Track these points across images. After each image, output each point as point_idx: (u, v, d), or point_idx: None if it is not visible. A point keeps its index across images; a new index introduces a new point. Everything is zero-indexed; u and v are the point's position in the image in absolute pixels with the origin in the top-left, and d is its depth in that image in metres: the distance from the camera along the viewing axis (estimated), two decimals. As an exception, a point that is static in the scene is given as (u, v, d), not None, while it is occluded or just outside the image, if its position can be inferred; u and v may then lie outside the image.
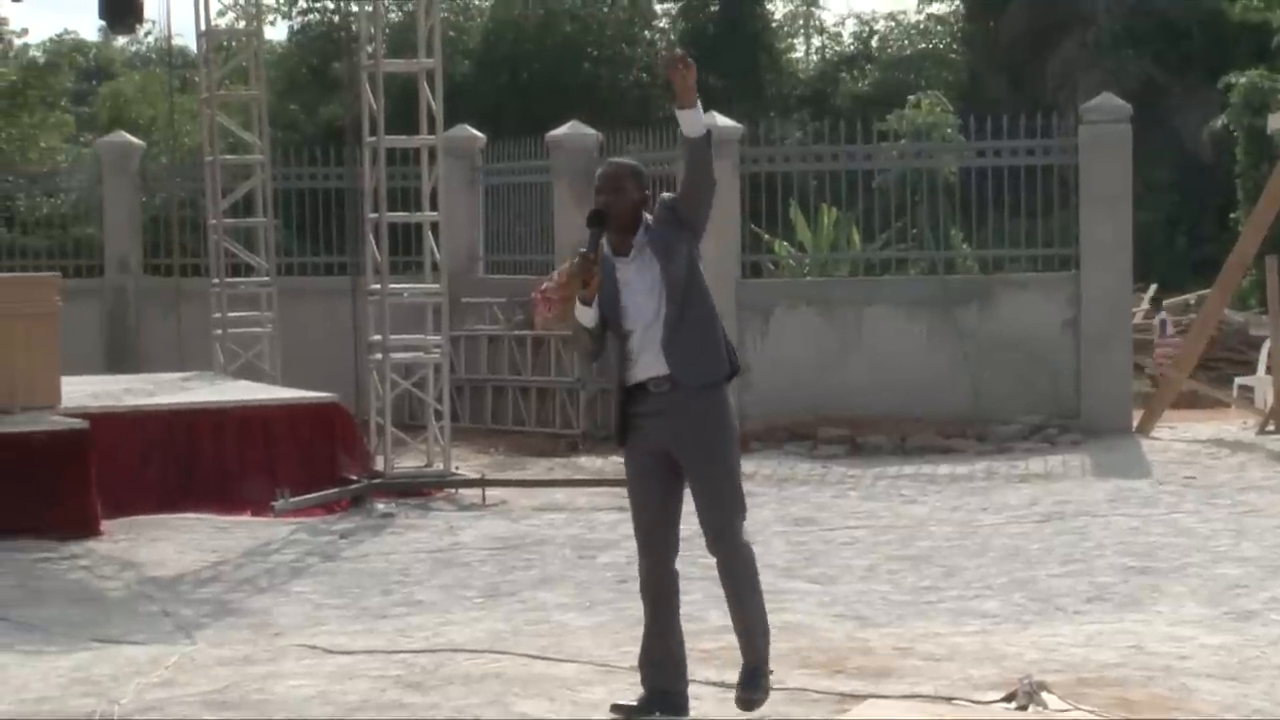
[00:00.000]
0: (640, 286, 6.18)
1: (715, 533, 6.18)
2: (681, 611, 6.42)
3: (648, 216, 6.26)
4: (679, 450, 6.17)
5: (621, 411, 6.24)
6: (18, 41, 30.40)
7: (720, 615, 8.39)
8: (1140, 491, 12.63)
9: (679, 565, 6.34)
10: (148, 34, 37.82)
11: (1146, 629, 8.01)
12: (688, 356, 6.14)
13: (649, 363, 6.17)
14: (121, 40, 36.35)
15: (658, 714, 6.23)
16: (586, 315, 6.20)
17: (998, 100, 23.63)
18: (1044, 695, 6.32)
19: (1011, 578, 9.50)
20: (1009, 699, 6.34)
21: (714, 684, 6.68)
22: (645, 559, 6.27)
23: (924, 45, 34.91)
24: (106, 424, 11.55)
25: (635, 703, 6.29)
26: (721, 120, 16.30)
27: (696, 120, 6.16)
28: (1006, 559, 10.10)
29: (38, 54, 31.01)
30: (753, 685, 6.18)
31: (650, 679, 6.29)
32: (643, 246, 6.20)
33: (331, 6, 32.20)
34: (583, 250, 6.18)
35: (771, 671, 6.27)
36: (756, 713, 6.21)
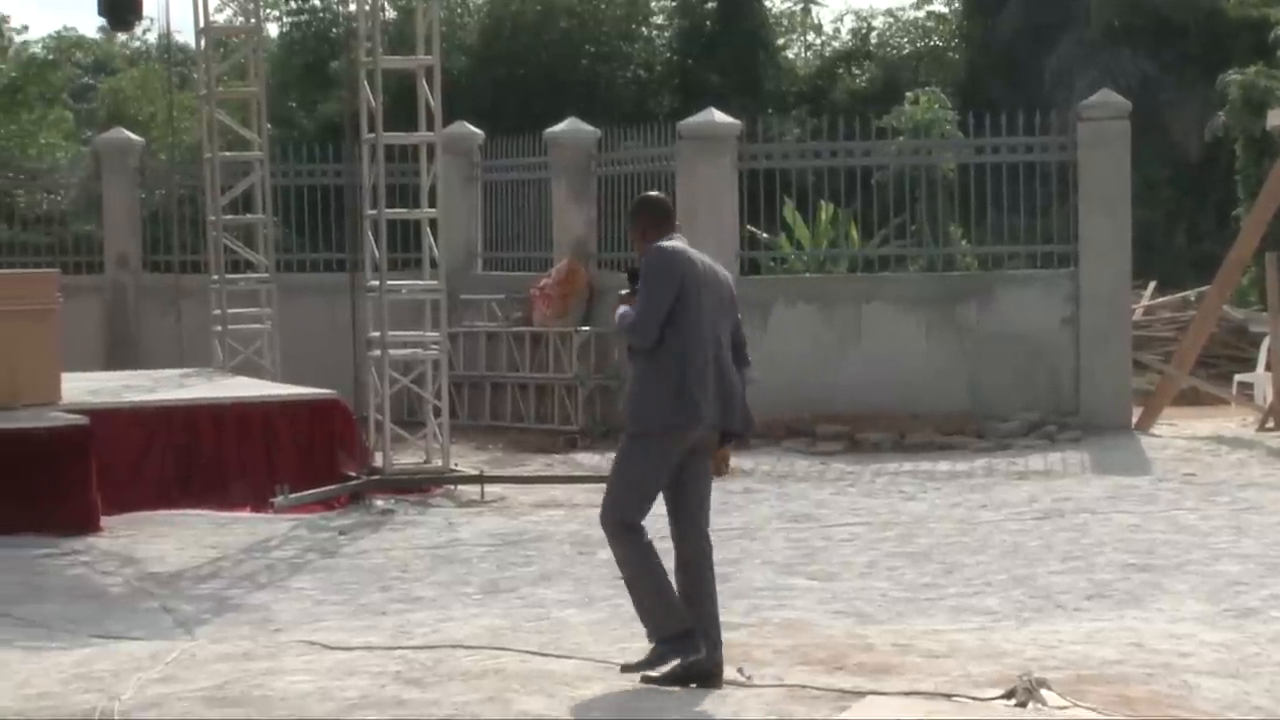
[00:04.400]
0: None
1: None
2: None
3: (659, 246, 6.69)
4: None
5: None
6: (17, 38, 30.41)
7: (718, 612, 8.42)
8: (1140, 488, 12.64)
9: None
10: (146, 31, 37.77)
11: (1146, 626, 8.02)
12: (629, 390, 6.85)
13: None
14: (123, 37, 36.30)
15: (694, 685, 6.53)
16: None
17: (996, 97, 23.59)
18: (1044, 692, 6.32)
19: (1011, 575, 9.51)
20: (1009, 696, 6.34)
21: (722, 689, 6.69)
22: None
23: (922, 43, 34.88)
24: (107, 420, 11.56)
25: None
26: (719, 117, 16.32)
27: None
28: (1006, 556, 10.11)
29: (38, 50, 30.99)
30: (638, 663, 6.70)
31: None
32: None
33: (320, 5, 32.14)
34: (622, 293, 6.83)
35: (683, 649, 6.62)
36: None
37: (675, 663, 6.60)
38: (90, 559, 10.17)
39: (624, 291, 6.78)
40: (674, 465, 6.67)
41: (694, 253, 6.76)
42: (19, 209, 20.04)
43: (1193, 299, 20.39)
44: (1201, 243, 26.83)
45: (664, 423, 6.58)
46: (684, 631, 6.59)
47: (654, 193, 7.18)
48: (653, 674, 6.66)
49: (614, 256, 16.68)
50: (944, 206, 17.68)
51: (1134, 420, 15.58)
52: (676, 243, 6.72)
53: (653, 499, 6.71)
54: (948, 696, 6.41)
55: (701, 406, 6.60)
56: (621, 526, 6.68)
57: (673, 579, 6.71)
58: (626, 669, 6.73)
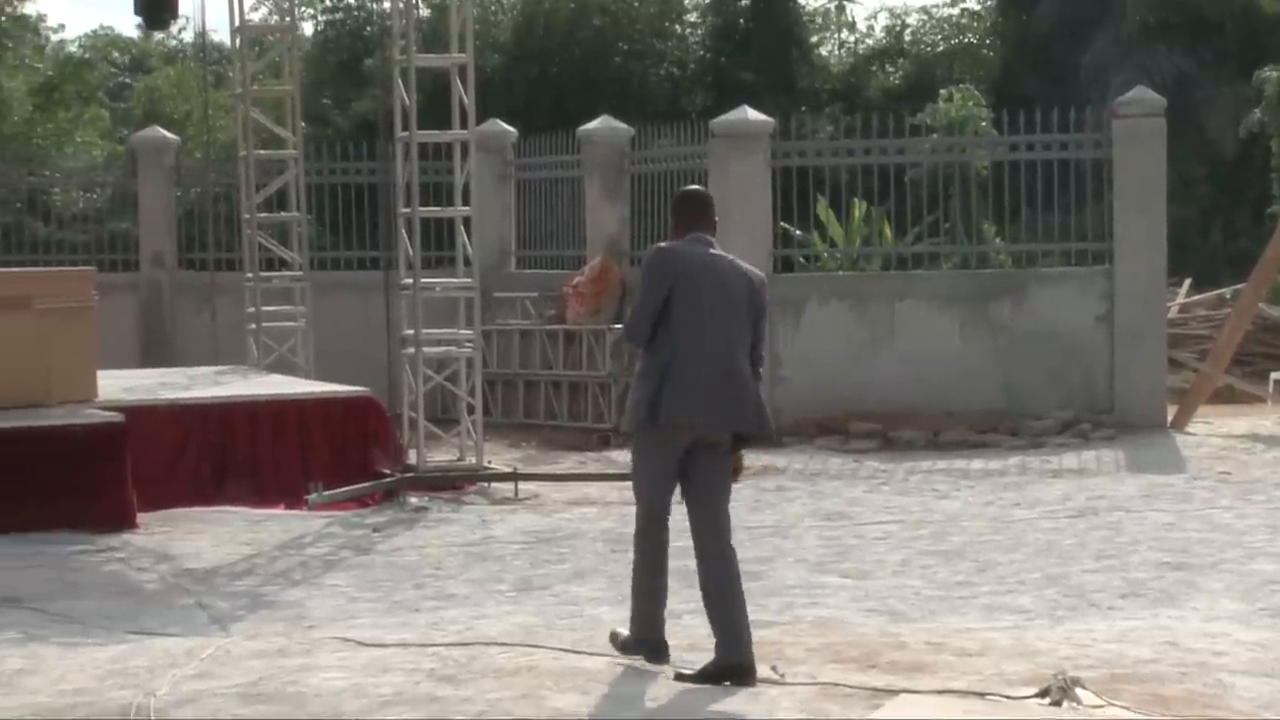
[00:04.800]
0: None
1: None
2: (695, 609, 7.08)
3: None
4: None
5: None
6: (54, 37, 30.58)
7: (751, 610, 8.40)
8: (1175, 487, 12.59)
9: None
10: (182, 29, 37.93)
11: (1181, 625, 7.99)
12: None
13: None
14: (160, 35, 36.45)
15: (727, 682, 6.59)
16: None
17: (1030, 94, 23.52)
18: (1078, 691, 6.30)
19: (1045, 573, 9.49)
20: (1042, 694, 6.32)
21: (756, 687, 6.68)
22: None
23: (956, 40, 34.79)
24: (142, 418, 11.60)
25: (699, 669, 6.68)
26: (752, 115, 16.32)
27: None
28: (1040, 554, 10.08)
29: (74, 49, 31.16)
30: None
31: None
32: None
33: (355, 3, 32.23)
34: None
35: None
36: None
37: (639, 656, 6.81)
38: (126, 556, 10.22)
39: None
40: (674, 460, 6.70)
41: (704, 252, 6.76)
42: (55, 207, 20.15)
43: (1228, 296, 20.28)
44: (1237, 240, 26.70)
45: (649, 419, 6.62)
46: (653, 642, 6.82)
47: (693, 187, 7.21)
48: (686, 673, 6.70)
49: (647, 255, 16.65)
50: (978, 204, 17.64)
51: (1169, 418, 15.52)
52: (679, 243, 6.78)
53: (664, 492, 6.76)
54: (981, 695, 6.39)
55: (686, 405, 6.58)
56: (640, 519, 6.80)
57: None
58: (612, 638, 6.98)
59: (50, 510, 10.62)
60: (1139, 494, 12.29)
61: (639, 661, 6.83)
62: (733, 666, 6.63)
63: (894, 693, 6.44)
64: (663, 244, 6.82)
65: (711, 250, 6.79)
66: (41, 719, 6.40)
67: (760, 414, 6.78)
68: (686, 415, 6.60)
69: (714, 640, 6.71)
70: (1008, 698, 6.36)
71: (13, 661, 7.39)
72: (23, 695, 6.76)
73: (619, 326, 16.05)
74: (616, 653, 6.89)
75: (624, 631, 6.99)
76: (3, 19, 25.49)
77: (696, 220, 6.84)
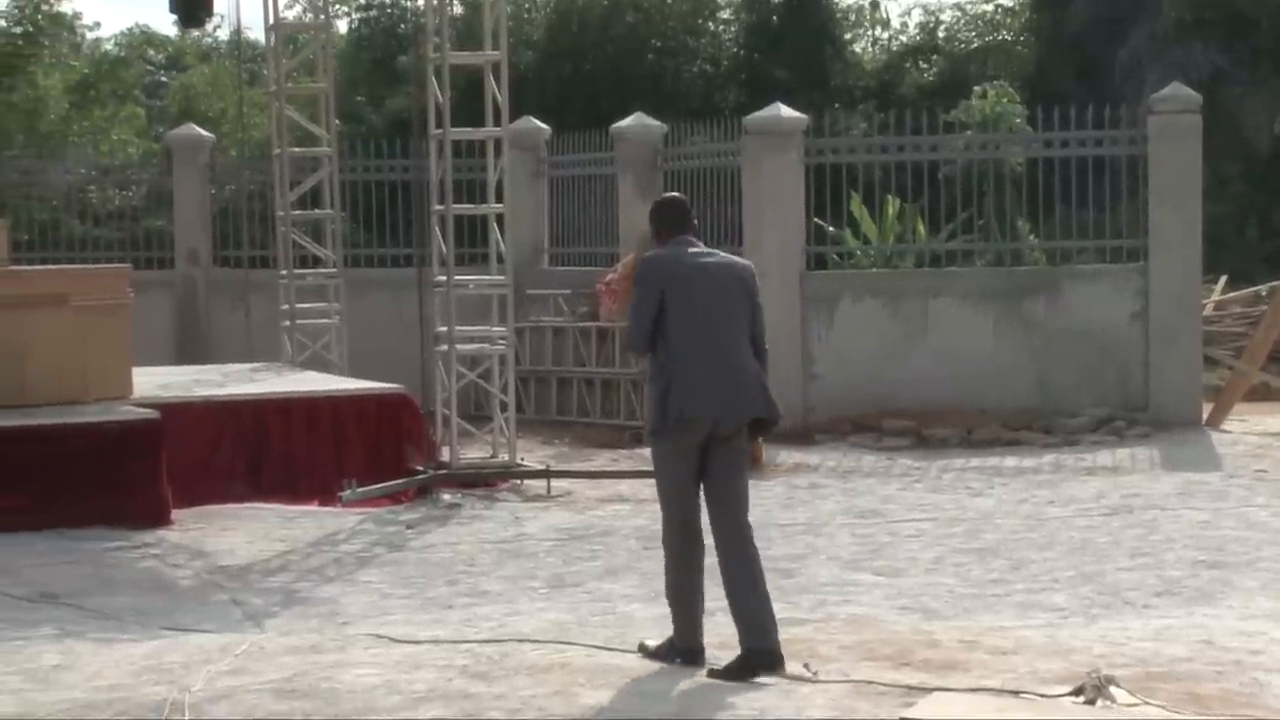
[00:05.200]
0: None
1: None
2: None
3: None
4: None
5: None
6: (90, 35, 30.72)
7: (783, 608, 8.40)
8: (1210, 485, 12.53)
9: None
10: (217, 27, 38.04)
11: (1217, 623, 7.95)
12: None
13: None
14: (195, 33, 36.59)
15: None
16: None
17: (1065, 91, 23.42)
18: (1112, 689, 6.28)
19: (1079, 571, 9.46)
20: (1077, 693, 6.31)
21: (786, 676, 6.69)
22: None
23: (991, 37, 34.69)
24: (177, 414, 11.65)
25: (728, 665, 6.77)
26: (786, 112, 16.29)
27: None
28: (1074, 552, 10.05)
29: (110, 47, 31.29)
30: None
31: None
32: None
33: (389, 1, 32.30)
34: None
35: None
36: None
37: (677, 660, 6.86)
38: (161, 552, 10.26)
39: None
40: (693, 459, 6.84)
41: (689, 254, 6.94)
42: (91, 205, 20.24)
43: (1264, 294, 20.16)
44: (1273, 237, 26.55)
45: (660, 420, 6.84)
46: (691, 651, 6.89)
47: (668, 195, 7.42)
48: (716, 668, 6.73)
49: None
50: (1012, 201, 17.58)
51: (1204, 416, 15.45)
52: (664, 250, 6.96)
53: (690, 493, 6.89)
54: (1015, 693, 6.38)
55: (692, 402, 6.77)
56: (669, 527, 6.93)
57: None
58: (641, 648, 7.04)
59: (86, 507, 10.68)
60: (1174, 492, 12.24)
61: (741, 659, 6.81)
62: (760, 654, 6.70)
63: (927, 691, 6.44)
64: (647, 255, 7.03)
65: (694, 249, 6.98)
66: (77, 714, 6.43)
67: (767, 399, 6.92)
68: (694, 411, 6.78)
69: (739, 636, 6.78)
70: (1042, 696, 6.34)
71: (49, 657, 7.44)
72: (59, 691, 6.81)
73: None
74: (732, 680, 6.73)
75: (652, 643, 7.05)
76: (39, 17, 25.59)
77: (678, 225, 7.04)
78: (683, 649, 6.91)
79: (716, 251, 7.10)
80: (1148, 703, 6.25)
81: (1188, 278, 15.61)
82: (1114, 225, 16.31)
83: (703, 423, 6.79)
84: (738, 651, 6.79)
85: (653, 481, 7.37)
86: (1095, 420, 15.07)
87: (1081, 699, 6.26)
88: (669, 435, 6.84)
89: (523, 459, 13.35)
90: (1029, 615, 8.31)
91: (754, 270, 7.11)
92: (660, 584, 7.04)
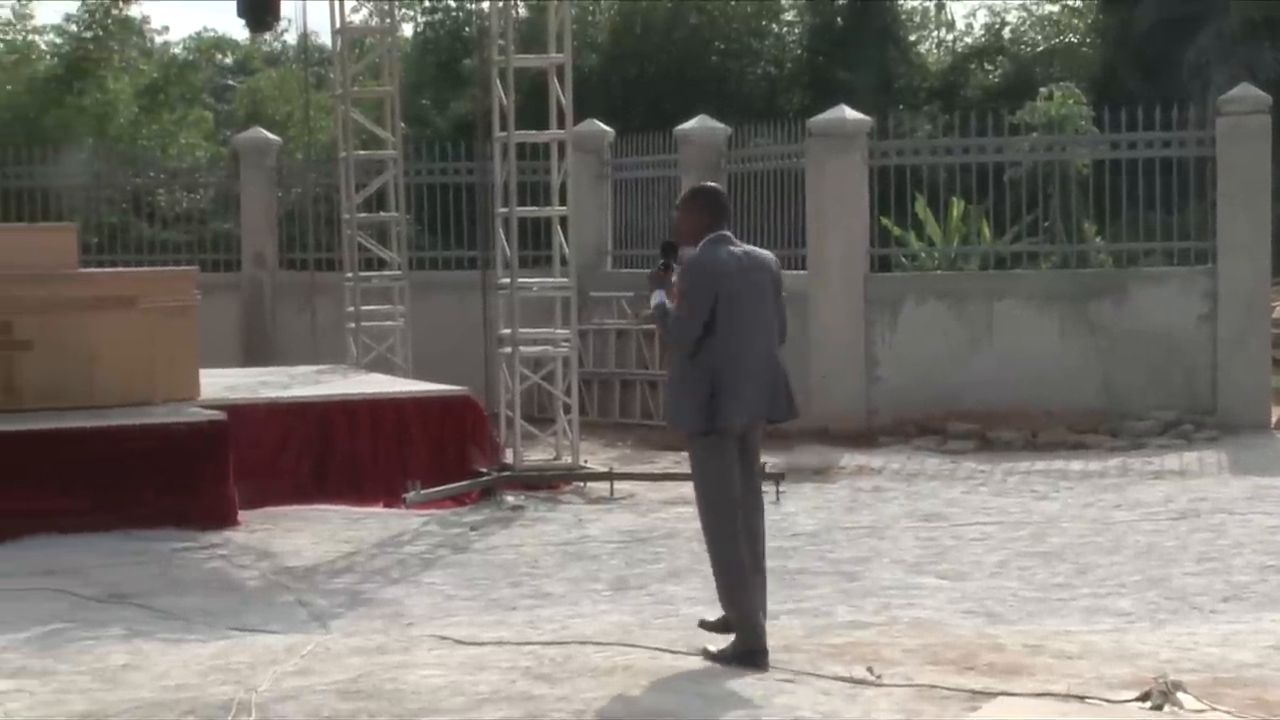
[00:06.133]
0: None
1: None
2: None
3: (707, 244, 7.09)
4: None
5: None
6: (159, 40, 30.95)
7: (847, 611, 8.41)
8: (1278, 489, 12.41)
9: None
10: (285, 32, 38.27)
11: (1285, 629, 7.88)
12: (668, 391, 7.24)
13: None
14: (267, 36, 36.81)
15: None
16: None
17: (1131, 92, 23.26)
18: (1180, 695, 6.23)
19: (1146, 576, 9.39)
20: (1143, 698, 6.26)
21: (842, 678, 6.68)
22: None
23: (1057, 39, 34.47)
24: (244, 416, 11.72)
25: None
26: (850, 113, 16.25)
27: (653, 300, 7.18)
28: (1140, 556, 9.98)
29: (178, 51, 31.51)
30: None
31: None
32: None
33: (454, 4, 32.40)
34: (650, 271, 7.27)
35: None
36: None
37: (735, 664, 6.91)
38: (227, 553, 10.34)
39: (658, 265, 7.22)
40: (734, 450, 7.05)
41: (731, 253, 7.08)
42: (160, 208, 20.42)
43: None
44: (1344, 239, 26.22)
45: (708, 422, 6.97)
46: (756, 652, 6.94)
47: (709, 185, 7.59)
48: (711, 650, 7.03)
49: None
50: (1078, 203, 17.47)
51: (1273, 419, 15.31)
52: (713, 250, 7.06)
53: (734, 483, 7.03)
54: (1080, 698, 6.34)
55: (739, 408, 6.98)
56: (711, 516, 7.07)
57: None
58: (704, 653, 7.05)
59: (154, 507, 10.76)
60: (1242, 496, 12.14)
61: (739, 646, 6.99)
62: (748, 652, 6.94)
63: (992, 695, 6.41)
64: (699, 255, 7.07)
65: (734, 248, 7.14)
66: (145, 714, 6.49)
67: (790, 400, 7.21)
68: (741, 417, 7.02)
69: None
70: (1108, 701, 6.30)
71: (117, 657, 7.51)
72: (127, 690, 6.87)
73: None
74: (728, 664, 6.94)
75: (713, 647, 7.08)
76: (109, 22, 25.80)
77: (718, 218, 7.20)
78: (742, 650, 6.92)
79: (747, 246, 7.28)
80: (1215, 708, 6.20)
81: (1257, 280, 15.48)
82: (1182, 227, 16.19)
83: (744, 425, 7.05)
84: (800, 652, 6.89)
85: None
86: (1162, 423, 14.96)
87: (1148, 704, 6.22)
88: (713, 436, 6.99)
89: (586, 461, 13.37)
90: (1095, 620, 8.26)
91: (778, 261, 7.36)
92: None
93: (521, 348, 13.17)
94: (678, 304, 7.03)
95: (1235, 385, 15.27)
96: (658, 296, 7.11)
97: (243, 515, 11.17)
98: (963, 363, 15.49)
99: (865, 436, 14.91)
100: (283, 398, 12.67)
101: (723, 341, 6.94)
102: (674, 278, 7.13)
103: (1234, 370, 15.27)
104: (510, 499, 12.33)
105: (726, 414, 6.93)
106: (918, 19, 36.03)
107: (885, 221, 16.84)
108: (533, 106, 14.34)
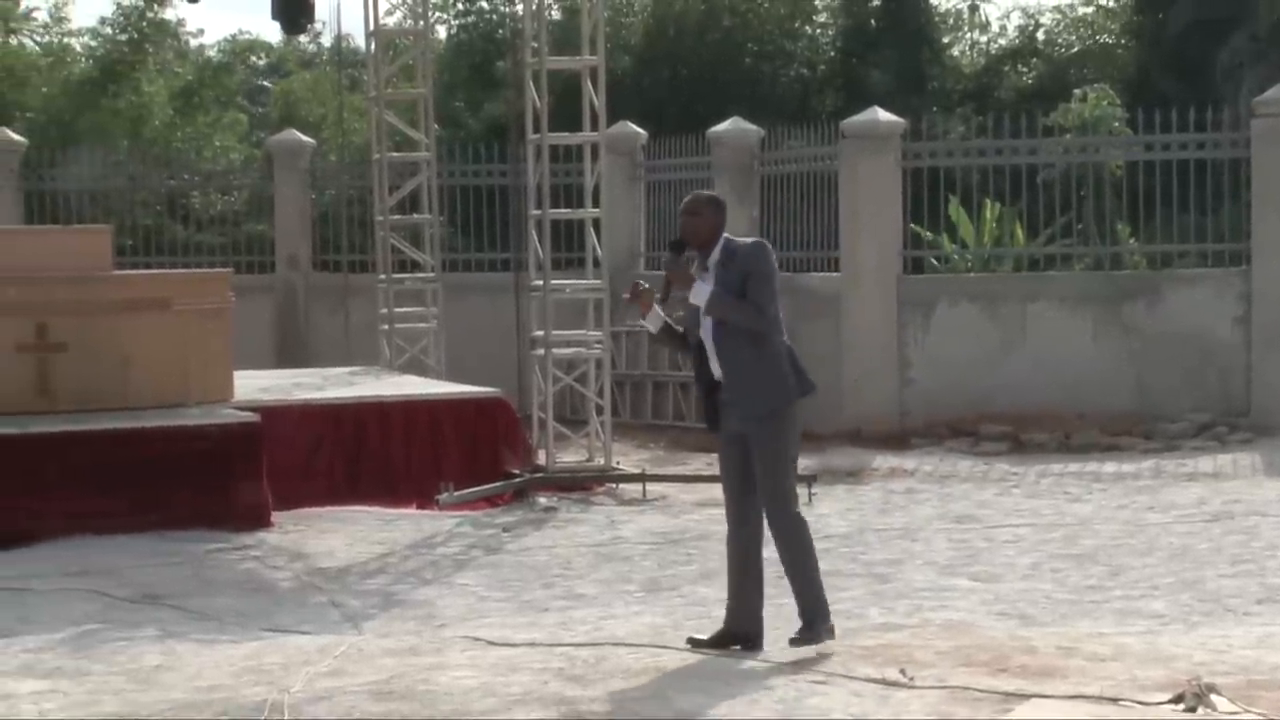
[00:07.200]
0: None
1: (767, 511, 7.27)
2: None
3: (734, 240, 7.35)
4: (748, 434, 7.20)
5: (710, 399, 7.32)
6: (194, 42, 31.05)
7: (880, 613, 8.40)
8: (1314, 492, 12.36)
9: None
10: (319, 34, 38.39)
11: (1319, 632, 7.85)
12: (730, 378, 7.22)
13: (716, 365, 7.27)
14: (303, 38, 36.92)
15: (737, 647, 7.27)
16: (653, 320, 7.40)
17: (1165, 93, 23.16)
18: (1213, 697, 6.21)
19: (1179, 578, 9.36)
20: (1177, 700, 6.24)
21: (874, 680, 6.67)
22: (727, 522, 7.45)
23: (1091, 40, 34.35)
24: (277, 418, 11.77)
25: (709, 636, 7.38)
26: (883, 115, 16.24)
27: (698, 295, 7.22)
28: (1174, 559, 9.95)
29: (213, 54, 31.63)
30: (803, 635, 7.15)
31: (729, 619, 7.40)
32: (714, 267, 7.24)
33: (488, 6, 32.44)
34: (672, 269, 7.32)
35: (831, 628, 7.24)
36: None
37: (826, 640, 7.18)
38: (261, 554, 10.38)
39: (682, 261, 7.30)
40: None
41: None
42: (194, 210, 20.51)
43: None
44: (1381, 240, 26.05)
45: (793, 394, 7.23)
46: (827, 611, 7.28)
47: (713, 193, 7.91)
48: (698, 637, 7.39)
49: (777, 256, 16.62)
50: (1111, 204, 17.40)
51: (1309, 422, 15.23)
52: (736, 240, 7.42)
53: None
54: (1114, 701, 6.32)
55: (806, 379, 7.33)
56: (793, 496, 7.35)
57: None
58: (794, 642, 7.19)
59: (188, 509, 10.81)
60: (1276, 498, 12.08)
61: (751, 657, 7.17)
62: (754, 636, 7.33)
63: (1025, 697, 6.40)
64: (754, 242, 7.53)
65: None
66: (178, 714, 6.52)
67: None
68: (809, 385, 7.35)
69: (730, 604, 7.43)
70: (1141, 703, 6.28)
71: (151, 658, 7.55)
72: (160, 691, 6.90)
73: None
74: (711, 650, 7.29)
75: (701, 636, 7.46)
76: (144, 24, 25.92)
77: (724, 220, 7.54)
78: (825, 615, 7.22)
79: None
80: (1249, 711, 6.18)
81: (1292, 282, 15.40)
82: (1216, 229, 16.12)
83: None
84: (832, 654, 6.96)
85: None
86: (1196, 425, 14.90)
87: (1182, 706, 6.20)
88: (795, 402, 7.24)
89: (618, 463, 13.38)
90: (1128, 622, 8.23)
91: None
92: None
93: (554, 349, 13.19)
94: (759, 289, 7.16)
95: (1269, 387, 15.19)
96: (703, 290, 7.17)
97: (276, 516, 11.21)
98: (996, 364, 15.46)
99: (898, 438, 14.89)
100: (316, 399, 12.71)
101: (779, 321, 7.28)
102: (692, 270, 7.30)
103: (1268, 372, 15.19)
104: (543, 500, 12.35)
105: (807, 380, 7.27)
106: (951, 21, 35.93)
107: (916, 228, 16.81)
108: (566, 108, 14.36)
